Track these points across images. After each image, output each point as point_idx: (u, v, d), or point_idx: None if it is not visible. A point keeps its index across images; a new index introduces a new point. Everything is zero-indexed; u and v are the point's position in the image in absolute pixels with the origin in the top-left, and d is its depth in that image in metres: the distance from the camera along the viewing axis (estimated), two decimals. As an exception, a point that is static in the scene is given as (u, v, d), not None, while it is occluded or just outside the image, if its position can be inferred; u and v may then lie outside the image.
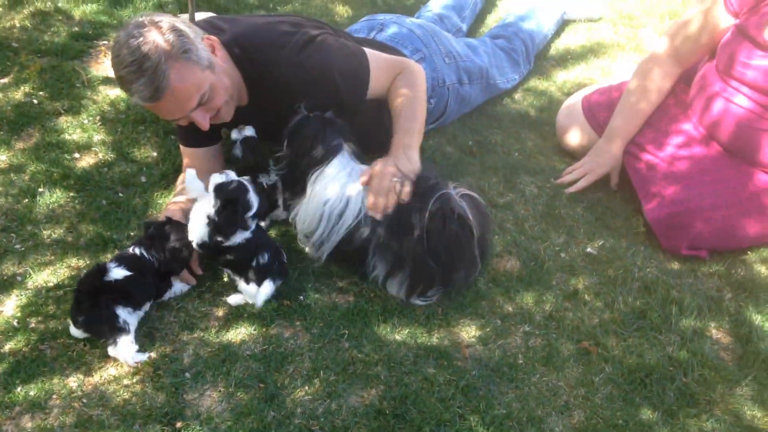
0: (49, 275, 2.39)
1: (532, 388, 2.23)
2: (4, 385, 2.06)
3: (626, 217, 2.91)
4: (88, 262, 2.44)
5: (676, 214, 2.67)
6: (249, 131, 2.60)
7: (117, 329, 2.14)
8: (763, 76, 2.51)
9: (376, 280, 2.44)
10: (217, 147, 2.71)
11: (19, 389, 2.06)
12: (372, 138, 2.57)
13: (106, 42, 3.45)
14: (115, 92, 3.17)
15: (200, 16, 3.07)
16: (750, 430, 2.17)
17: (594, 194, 3.00)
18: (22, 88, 3.09)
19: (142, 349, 2.19)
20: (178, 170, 2.77)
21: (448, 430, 2.07)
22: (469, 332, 2.38)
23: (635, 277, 2.62)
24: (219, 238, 2.28)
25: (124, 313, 2.16)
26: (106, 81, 3.24)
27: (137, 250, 2.29)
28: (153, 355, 2.19)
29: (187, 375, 2.15)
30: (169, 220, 2.36)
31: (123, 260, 2.25)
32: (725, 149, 2.72)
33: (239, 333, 2.29)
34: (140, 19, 2.23)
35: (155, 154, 2.89)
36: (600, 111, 3.06)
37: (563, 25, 4.08)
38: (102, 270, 2.19)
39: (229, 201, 2.26)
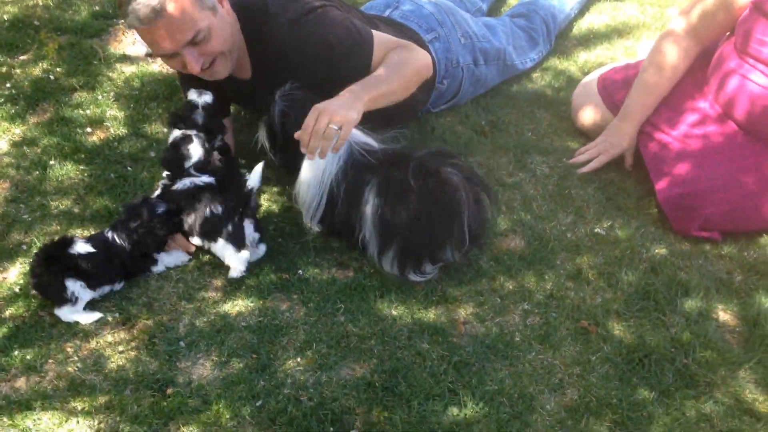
0: (53, 245, 2.43)
1: (527, 365, 2.20)
2: (2, 348, 2.12)
3: (639, 197, 2.85)
4: (93, 233, 2.48)
5: (687, 195, 2.60)
6: (208, 97, 2.53)
7: (63, 299, 2.19)
8: (779, 52, 2.43)
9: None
10: (227, 121, 2.72)
11: (16, 353, 2.11)
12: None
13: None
14: (130, 69, 3.21)
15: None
16: (750, 413, 2.11)
17: (607, 174, 2.94)
18: (40, 64, 3.16)
19: (136, 318, 2.22)
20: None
21: (437, 404, 2.06)
22: (466, 309, 2.36)
23: (642, 258, 2.57)
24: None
25: (74, 286, 2.19)
26: (123, 59, 3.29)
27: (109, 234, 2.32)
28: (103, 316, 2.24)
29: (182, 344, 2.18)
30: (144, 200, 2.38)
31: (93, 239, 2.29)
32: (740, 127, 2.64)
33: (236, 305, 2.31)
34: None
35: (165, 130, 2.92)
36: (616, 90, 2.99)
37: (588, 3, 3.99)
38: (67, 242, 2.24)
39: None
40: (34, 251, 2.38)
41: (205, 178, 2.41)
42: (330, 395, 2.06)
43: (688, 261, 2.58)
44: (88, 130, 2.88)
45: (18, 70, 3.12)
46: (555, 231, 2.65)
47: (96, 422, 1.97)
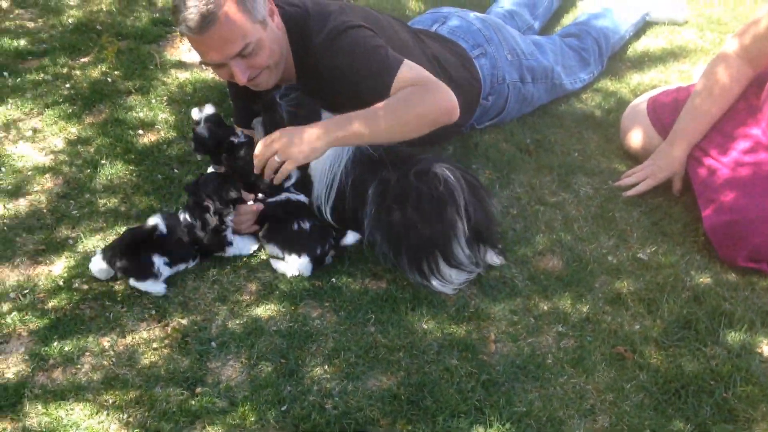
0: (98, 241, 2.51)
1: (558, 388, 2.16)
2: (42, 338, 2.19)
3: (685, 224, 2.78)
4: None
5: (734, 223, 2.53)
6: (209, 109, 2.57)
7: (150, 273, 2.32)
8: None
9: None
10: None
11: (55, 344, 2.17)
12: None
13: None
14: (184, 75, 3.30)
15: None
16: (789, 452, 2.03)
17: (654, 199, 2.88)
18: (99, 67, 3.27)
19: (171, 316, 2.27)
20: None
21: (463, 422, 2.04)
22: (499, 327, 2.33)
23: (686, 286, 2.50)
24: None
25: (159, 262, 2.32)
26: (178, 65, 3.38)
27: (182, 216, 2.41)
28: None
29: (213, 344, 2.21)
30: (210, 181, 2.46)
31: (170, 218, 2.41)
32: (794, 157, 2.56)
33: (268, 309, 2.33)
34: None
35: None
36: (665, 113, 2.93)
37: (644, 26, 3.94)
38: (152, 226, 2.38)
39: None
40: (79, 246, 2.47)
41: (301, 197, 2.56)
42: (355, 405, 2.06)
43: (734, 292, 2.49)
44: (140, 132, 2.97)
45: (78, 72, 3.24)
46: (595, 253, 2.61)
47: (125, 416, 2.01)
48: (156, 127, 3.00)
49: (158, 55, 3.38)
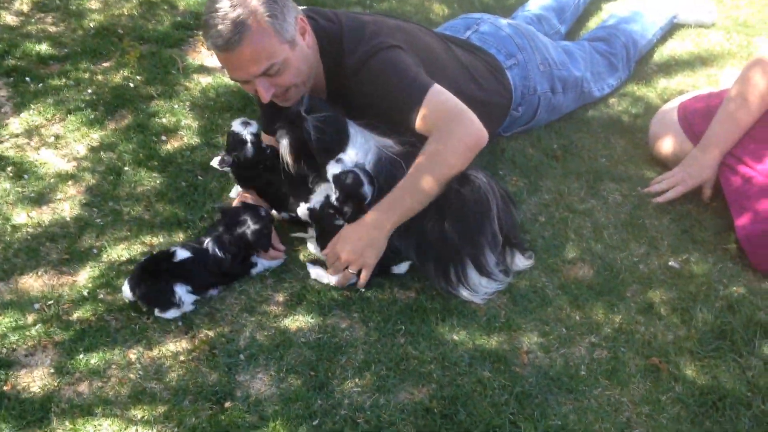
0: (123, 250, 2.48)
1: (593, 401, 2.12)
2: (68, 351, 2.16)
3: (717, 231, 2.73)
4: (161, 240, 2.52)
5: (770, 232, 2.48)
6: (254, 127, 2.54)
7: (171, 303, 2.26)
8: None
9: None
10: None
11: (81, 356, 2.14)
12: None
13: (203, 32, 3.57)
14: (207, 80, 3.27)
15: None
16: (832, 469, 1.98)
17: (684, 206, 2.83)
18: (121, 71, 3.24)
19: (198, 328, 2.24)
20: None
21: (497, 436, 2.00)
22: (530, 338, 2.29)
23: (719, 296, 2.45)
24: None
25: (181, 291, 2.26)
26: (201, 69, 3.35)
27: (209, 245, 2.36)
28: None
29: (242, 356, 2.18)
30: (244, 206, 2.46)
31: (191, 248, 2.36)
32: (831, 164, 2.51)
33: (296, 320, 2.30)
34: None
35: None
36: (696, 119, 2.88)
37: (671, 29, 3.88)
38: (170, 253, 2.31)
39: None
40: (104, 255, 2.44)
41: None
42: (387, 419, 2.02)
43: (768, 301, 2.45)
44: (163, 138, 2.94)
45: (100, 77, 3.21)
46: (626, 262, 2.56)
47: None
48: (179, 133, 2.97)
49: (180, 59, 3.35)
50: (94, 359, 2.14)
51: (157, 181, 2.75)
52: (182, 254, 2.30)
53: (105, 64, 3.30)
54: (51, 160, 2.81)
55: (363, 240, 2.34)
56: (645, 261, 2.58)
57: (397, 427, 2.00)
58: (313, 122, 2.37)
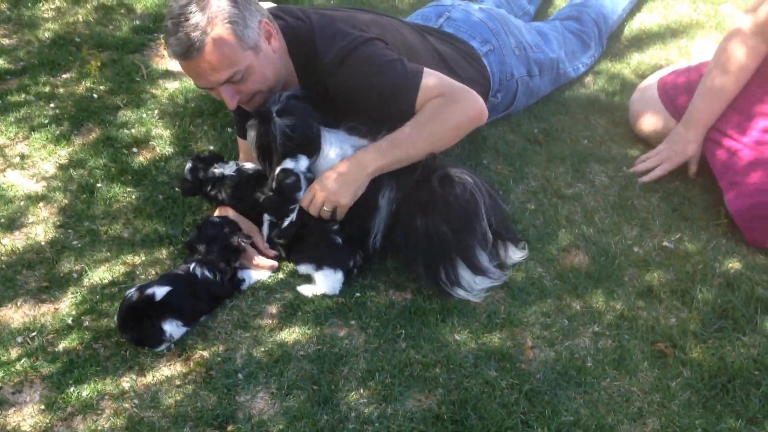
0: (104, 272, 2.38)
1: (602, 393, 2.08)
2: (57, 384, 2.05)
3: (706, 207, 2.71)
4: (143, 258, 2.42)
5: (761, 205, 2.46)
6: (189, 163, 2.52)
7: (162, 341, 2.17)
8: None
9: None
10: None
11: (71, 389, 2.04)
12: None
13: (165, 35, 3.45)
14: (174, 85, 3.15)
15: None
16: None
17: (670, 183, 2.80)
18: (83, 82, 3.11)
19: (192, 349, 2.16)
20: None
21: (511, 438, 1.96)
22: (533, 332, 2.25)
23: (716, 273, 2.43)
24: None
25: (171, 327, 2.16)
26: (166, 74, 3.24)
27: (196, 269, 2.26)
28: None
29: (240, 376, 2.10)
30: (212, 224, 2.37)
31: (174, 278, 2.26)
32: (817, 133, 2.49)
33: (293, 332, 2.22)
34: None
35: (212, 147, 2.85)
36: (678, 94, 2.85)
37: (639, 2, 3.85)
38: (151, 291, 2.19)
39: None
40: (85, 279, 2.34)
41: None
42: (397, 429, 1.96)
43: (765, 275, 2.43)
44: (134, 150, 2.83)
45: (61, 89, 3.08)
46: (620, 245, 2.53)
47: (156, 461, 1.90)
48: (151, 143, 2.86)
49: (144, 65, 3.23)
50: (86, 391, 2.04)
51: (133, 197, 2.64)
52: (161, 291, 2.17)
53: (65, 76, 3.16)
54: (18, 182, 2.68)
55: (341, 177, 2.28)
56: (639, 243, 2.55)
57: (409, 437, 1.95)
58: (281, 126, 2.30)
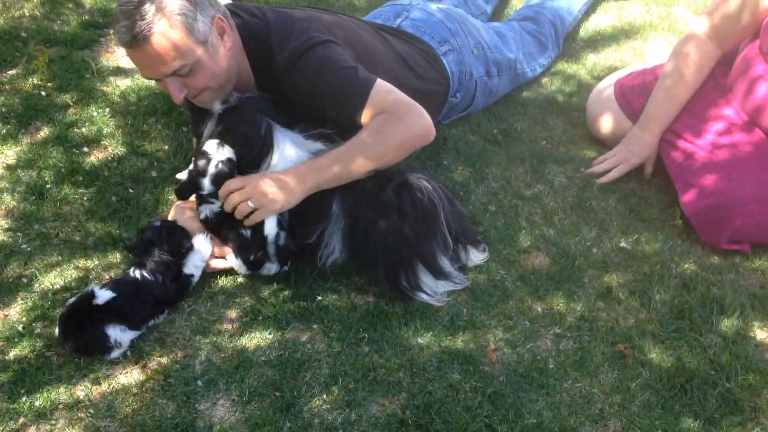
0: (55, 277, 2.29)
1: (564, 395, 2.10)
2: (8, 394, 1.97)
3: (662, 208, 2.75)
4: (96, 262, 2.34)
5: (716, 207, 2.51)
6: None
7: (108, 348, 2.08)
8: (811, 57, 2.33)
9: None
10: None
11: (24, 399, 1.96)
12: None
13: (116, 30, 3.34)
14: (125, 83, 3.06)
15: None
16: (800, 441, 2.02)
17: (627, 185, 2.84)
18: (30, 79, 2.99)
19: (149, 356, 2.10)
20: (189, 163, 2.65)
21: (475, 442, 1.95)
22: (495, 335, 2.25)
23: (673, 274, 2.47)
24: None
25: (115, 333, 2.07)
26: (117, 71, 3.13)
27: (137, 273, 2.19)
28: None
29: (199, 383, 2.04)
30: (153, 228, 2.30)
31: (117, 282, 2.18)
32: (769, 136, 2.55)
33: (253, 337, 2.18)
34: None
35: (166, 147, 2.77)
36: (634, 96, 2.89)
37: (593, 4, 3.89)
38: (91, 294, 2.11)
39: None
40: (35, 284, 2.25)
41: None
42: (361, 435, 1.94)
43: (720, 275, 2.49)
44: (85, 149, 2.73)
45: (7, 86, 2.95)
46: (580, 247, 2.55)
47: (112, 473, 1.84)
48: (102, 143, 2.76)
49: (93, 61, 3.12)
50: (39, 401, 1.96)
51: (85, 198, 2.55)
52: (104, 294, 2.10)
53: (11, 72, 3.04)
54: (-38, 183, 2.57)
55: (281, 183, 2.20)
56: (597, 244, 2.57)
57: (373, 443, 1.93)
58: (236, 136, 2.27)
